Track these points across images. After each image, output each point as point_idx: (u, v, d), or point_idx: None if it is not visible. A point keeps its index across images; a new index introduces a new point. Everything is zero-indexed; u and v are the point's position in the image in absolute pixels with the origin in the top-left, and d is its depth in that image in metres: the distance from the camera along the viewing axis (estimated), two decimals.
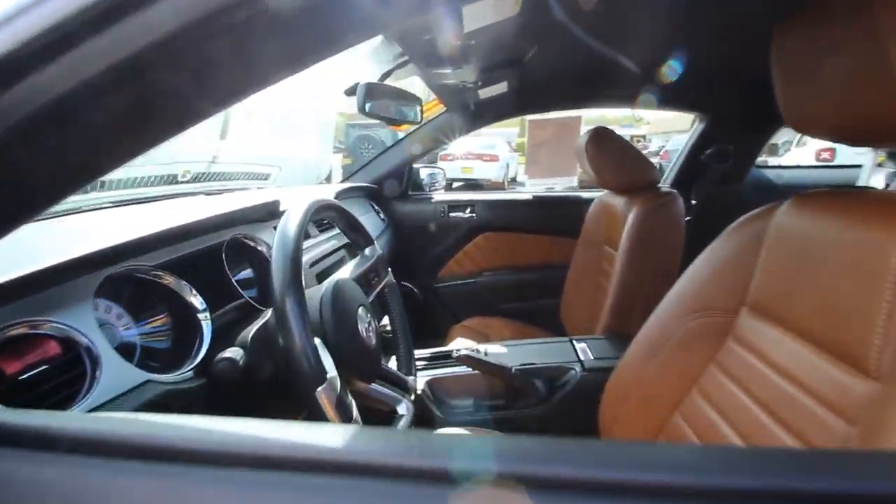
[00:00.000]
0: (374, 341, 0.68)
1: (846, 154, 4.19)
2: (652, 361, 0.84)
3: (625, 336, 1.17)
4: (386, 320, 0.93)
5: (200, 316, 0.65)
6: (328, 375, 0.52)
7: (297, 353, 0.50)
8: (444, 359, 1.13)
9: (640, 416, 0.84)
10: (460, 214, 1.92)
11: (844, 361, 0.53)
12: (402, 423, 0.70)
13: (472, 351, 1.12)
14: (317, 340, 0.58)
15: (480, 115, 1.63)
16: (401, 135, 1.88)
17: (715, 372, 0.75)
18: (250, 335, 0.63)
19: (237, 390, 0.60)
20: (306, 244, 1.08)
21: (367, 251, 0.84)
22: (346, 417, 0.53)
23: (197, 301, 0.65)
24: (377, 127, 9.21)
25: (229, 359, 0.58)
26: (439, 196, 1.98)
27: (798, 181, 1.65)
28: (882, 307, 0.49)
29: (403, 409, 0.72)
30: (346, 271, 0.77)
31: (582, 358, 1.04)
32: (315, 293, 0.63)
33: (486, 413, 1.02)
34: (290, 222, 0.58)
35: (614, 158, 1.26)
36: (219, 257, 0.73)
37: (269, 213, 0.92)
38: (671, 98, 1.52)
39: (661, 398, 0.82)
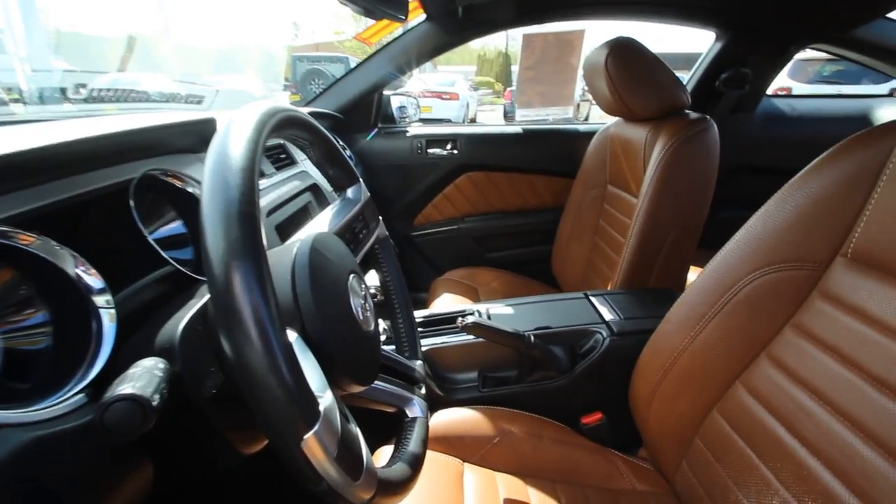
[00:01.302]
0: (372, 325, 0.47)
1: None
2: (705, 326, 0.68)
3: (652, 292, 1.02)
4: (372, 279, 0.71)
5: (97, 301, 0.40)
6: (322, 407, 0.31)
7: (263, 378, 0.28)
8: (441, 324, 0.95)
9: (687, 391, 0.70)
10: (440, 151, 1.66)
11: None
12: (417, 432, 0.51)
13: (479, 317, 0.94)
14: (291, 336, 0.36)
15: (467, 24, 1.34)
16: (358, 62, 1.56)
17: (793, 336, 0.60)
18: (179, 331, 0.39)
19: (156, 441, 0.37)
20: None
21: (350, 193, 0.60)
22: (349, 461, 0.33)
23: (88, 276, 0.41)
24: (327, 62, 8.41)
25: (132, 399, 0.31)
26: (415, 129, 1.70)
27: (814, 112, 1.51)
28: None
29: (417, 410, 0.53)
30: (322, 222, 0.54)
31: (608, 319, 0.88)
32: (280, 257, 0.41)
33: (495, 388, 0.85)
34: (235, 138, 0.33)
35: (643, 77, 1.04)
36: (123, 205, 0.47)
37: (202, 139, 0.65)
38: (690, 7, 1.29)
39: (718, 370, 0.68)
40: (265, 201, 0.76)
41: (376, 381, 0.50)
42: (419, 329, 0.94)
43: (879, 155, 0.54)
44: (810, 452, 0.52)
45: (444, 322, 0.94)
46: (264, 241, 0.32)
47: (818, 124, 1.47)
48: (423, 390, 0.57)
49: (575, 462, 0.77)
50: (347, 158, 0.58)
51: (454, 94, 9.36)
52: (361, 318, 0.44)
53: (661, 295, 0.97)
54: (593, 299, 0.96)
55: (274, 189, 0.83)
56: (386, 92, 1.72)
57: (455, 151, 1.66)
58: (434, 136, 1.66)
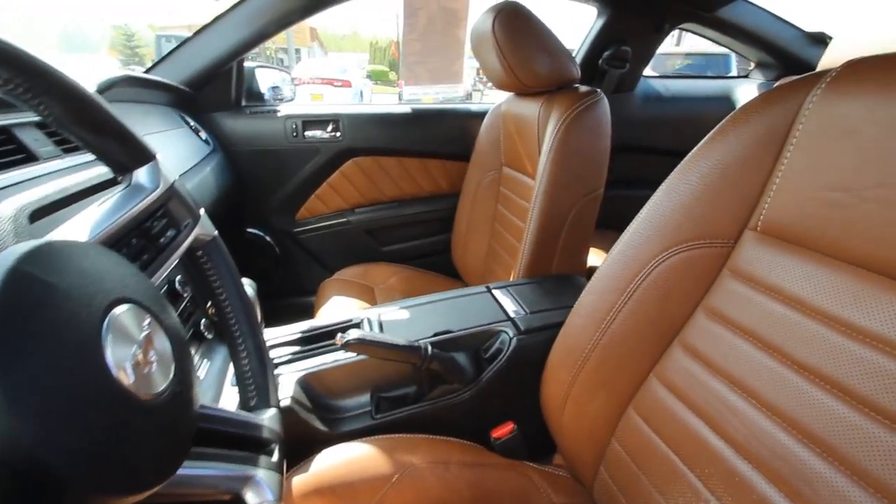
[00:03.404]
0: (160, 385, 0.29)
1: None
2: (616, 316, 0.61)
3: (557, 279, 0.95)
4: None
5: None
6: None
7: None
8: (320, 340, 0.78)
9: (602, 389, 0.62)
10: (320, 133, 1.45)
11: None
12: None
13: (368, 326, 0.78)
14: None
15: None
16: None
17: (704, 320, 0.55)
18: None
19: None
20: (23, 172, 0.56)
21: (141, 176, 0.40)
22: None
23: None
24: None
25: None
26: (289, 109, 1.47)
27: (685, 92, 1.59)
28: None
29: (264, 492, 0.36)
30: (81, 224, 0.34)
31: (513, 315, 0.78)
32: None
33: (392, 412, 0.71)
34: None
35: (532, 45, 0.95)
36: None
37: None
38: None
39: (631, 363, 0.61)
40: (30, 197, 0.51)
41: (188, 464, 0.32)
42: (293, 350, 0.76)
43: (786, 116, 0.49)
44: (739, 455, 0.46)
45: (324, 337, 0.77)
46: None
47: (689, 103, 1.55)
48: (276, 456, 0.41)
49: (486, 485, 0.66)
50: (126, 127, 0.38)
51: (347, 82, 8.94)
52: (133, 379, 0.27)
53: (566, 282, 0.90)
54: (496, 293, 0.86)
55: (48, 180, 0.57)
56: (249, 63, 1.45)
57: (338, 134, 1.46)
58: (312, 117, 1.44)
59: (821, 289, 0.44)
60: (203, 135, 1.28)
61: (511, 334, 0.74)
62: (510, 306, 0.81)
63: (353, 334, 0.62)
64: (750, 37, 1.39)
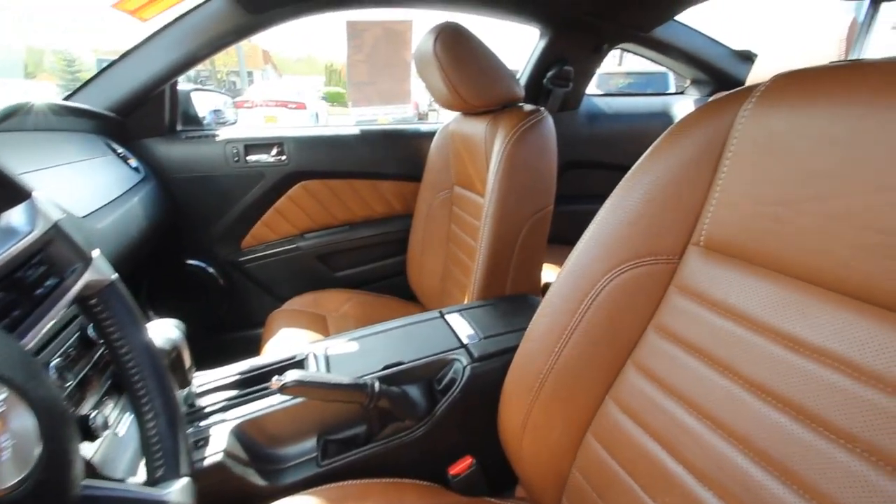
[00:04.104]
0: (20, 476, 0.24)
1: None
2: (569, 338, 0.59)
3: (511, 300, 0.93)
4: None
5: None
6: None
7: None
8: (261, 381, 0.71)
9: (560, 416, 0.60)
10: (264, 157, 1.39)
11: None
12: None
13: (315, 362, 0.73)
14: None
15: (272, 2, 1.10)
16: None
17: (655, 338, 0.54)
18: None
19: None
20: None
21: (11, 219, 0.34)
22: None
23: None
24: None
25: None
26: (228, 133, 1.40)
27: (627, 109, 1.64)
28: None
29: None
30: None
31: (467, 341, 0.75)
32: None
33: (340, 457, 0.65)
34: None
35: (474, 65, 0.94)
36: None
37: None
38: (512, 1, 1.27)
39: (587, 386, 0.59)
40: None
41: None
42: (229, 395, 0.69)
43: (720, 131, 0.49)
44: (698, 480, 0.45)
45: (264, 378, 0.71)
46: None
47: (631, 119, 1.60)
48: None
49: None
50: None
51: (301, 104, 8.81)
52: None
53: (520, 303, 0.88)
54: (449, 318, 0.82)
55: None
56: (184, 86, 1.38)
57: (283, 157, 1.40)
58: (254, 140, 1.38)
59: (766, 303, 0.43)
60: (133, 162, 1.19)
61: (465, 362, 0.71)
62: (464, 331, 0.78)
63: (291, 376, 0.57)
64: (683, 55, 1.46)
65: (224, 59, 15.62)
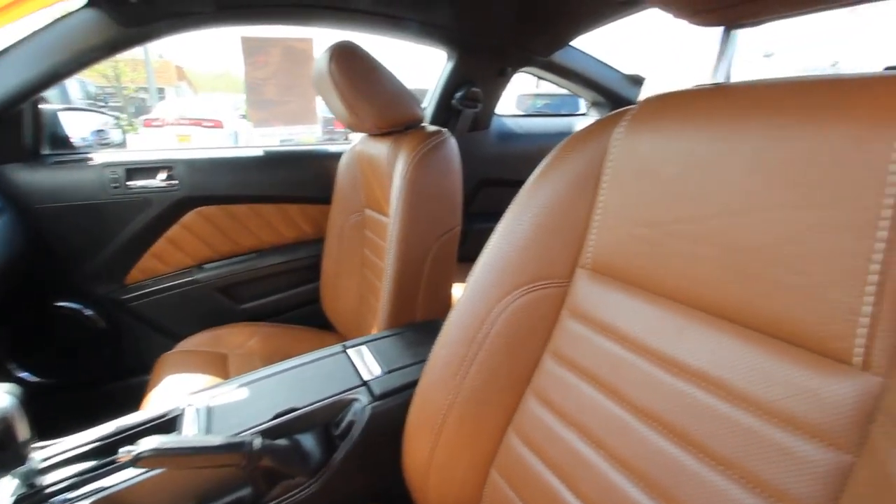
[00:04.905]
0: None
1: None
2: (469, 369, 0.56)
3: (419, 327, 0.89)
4: None
5: None
6: None
7: None
8: (126, 444, 0.61)
9: (464, 452, 0.57)
10: (150, 183, 1.25)
11: (795, 343, 0.34)
12: None
13: (193, 418, 0.64)
14: None
15: (148, 16, 1.01)
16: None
17: (552, 364, 0.53)
18: None
19: None
20: None
21: None
22: None
23: None
24: None
25: None
26: (106, 157, 1.25)
27: (536, 129, 1.70)
28: (871, 239, 0.30)
29: None
30: None
31: (368, 377, 0.70)
32: None
33: None
34: None
35: (372, 85, 0.91)
36: None
37: None
38: (420, 24, 1.27)
39: (489, 416, 0.57)
40: None
41: None
42: (86, 467, 0.58)
43: (597, 154, 0.49)
44: None
45: (129, 442, 0.60)
46: None
47: (539, 139, 1.66)
48: None
49: None
50: None
51: (218, 122, 8.28)
52: None
53: (429, 330, 0.85)
54: (352, 352, 0.77)
55: None
56: (49, 105, 1.21)
57: (175, 182, 1.27)
58: (138, 164, 1.24)
59: (647, 326, 0.43)
60: None
61: (365, 401, 0.65)
62: (367, 367, 0.72)
63: (146, 444, 0.48)
64: (580, 78, 1.54)
65: (132, 76, 14.42)
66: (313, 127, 1.37)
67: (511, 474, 0.54)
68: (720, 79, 0.49)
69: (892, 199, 0.29)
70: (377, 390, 0.67)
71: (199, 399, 0.68)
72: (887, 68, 0.36)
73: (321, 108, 1.48)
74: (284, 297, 1.43)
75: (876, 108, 0.31)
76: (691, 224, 0.40)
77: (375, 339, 0.81)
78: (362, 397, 0.66)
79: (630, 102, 1.69)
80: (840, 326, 0.30)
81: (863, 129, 0.31)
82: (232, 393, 0.69)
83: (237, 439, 0.53)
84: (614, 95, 1.61)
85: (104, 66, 13.23)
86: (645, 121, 0.47)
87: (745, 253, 0.36)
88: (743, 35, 0.49)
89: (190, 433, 0.61)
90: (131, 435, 0.62)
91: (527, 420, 0.53)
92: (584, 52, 1.50)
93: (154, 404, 0.90)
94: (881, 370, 0.29)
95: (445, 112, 1.46)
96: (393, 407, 0.66)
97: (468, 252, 1.02)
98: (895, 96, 0.31)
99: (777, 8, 0.41)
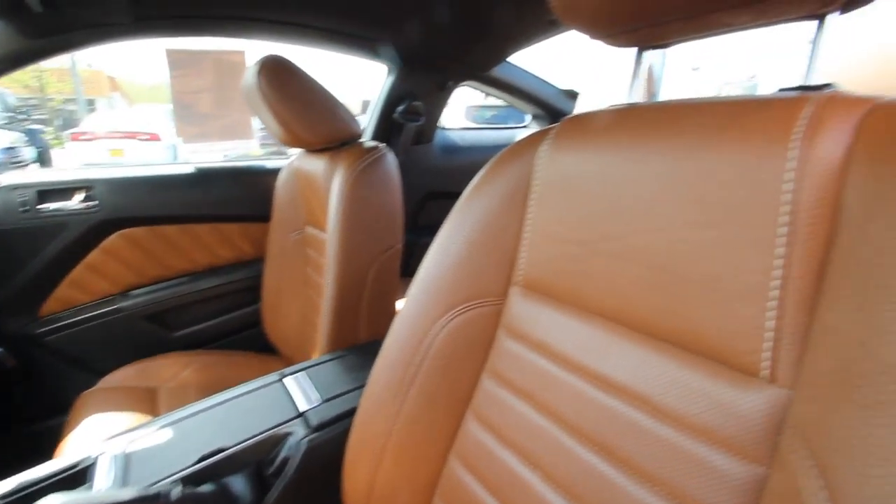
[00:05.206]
0: None
1: None
2: (407, 394, 0.55)
3: (361, 350, 0.86)
4: None
5: None
6: None
7: None
8: (33, 500, 0.54)
9: (406, 482, 0.55)
10: (65, 206, 1.15)
11: (699, 353, 0.35)
12: None
13: (109, 469, 0.58)
14: None
15: (55, 27, 0.93)
16: None
17: (491, 385, 0.52)
18: None
19: None
20: None
21: None
22: None
23: None
24: None
25: None
26: (14, 178, 1.13)
27: (479, 141, 1.73)
28: (770, 255, 0.31)
29: None
30: None
31: (305, 407, 0.66)
32: None
33: None
34: None
35: (303, 100, 0.89)
36: None
37: None
38: (358, 38, 1.26)
39: (430, 442, 0.55)
40: None
41: None
42: None
43: (524, 171, 0.50)
44: None
45: (34, 498, 0.54)
46: None
47: (481, 151, 1.69)
48: None
49: None
50: None
51: (154, 135, 7.81)
52: None
53: (371, 351, 0.82)
54: (289, 381, 0.73)
55: None
56: None
57: (95, 203, 1.17)
58: (51, 185, 1.14)
59: (576, 343, 0.43)
60: None
61: (301, 434, 0.62)
62: (303, 396, 0.69)
63: (49, 502, 0.43)
64: (520, 92, 1.58)
65: (58, 86, 13.37)
66: (250, 142, 1.31)
67: (454, 501, 0.52)
68: (635, 98, 0.51)
69: (787, 216, 0.30)
70: (314, 421, 0.63)
71: (116, 444, 0.62)
72: (781, 90, 0.39)
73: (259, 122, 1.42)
74: (223, 322, 1.35)
75: (769, 128, 0.33)
76: (613, 241, 0.41)
77: (315, 365, 0.78)
78: (298, 430, 0.63)
79: (567, 115, 1.75)
80: (748, 341, 0.32)
81: (757, 148, 0.33)
82: (154, 435, 0.63)
83: (152, 490, 0.48)
84: (552, 109, 1.66)
85: (26, 76, 12.20)
86: (566, 139, 0.48)
87: (661, 269, 0.37)
88: (672, 52, 0.51)
89: (103, 486, 0.55)
90: (34, 492, 0.56)
91: (468, 443, 0.52)
92: (521, 68, 1.54)
93: (69, 450, 0.81)
94: (787, 382, 0.30)
95: (387, 126, 1.45)
96: (331, 438, 0.63)
97: (415, 266, 1.01)
98: (788, 116, 0.32)
99: (680, 32, 0.43)
